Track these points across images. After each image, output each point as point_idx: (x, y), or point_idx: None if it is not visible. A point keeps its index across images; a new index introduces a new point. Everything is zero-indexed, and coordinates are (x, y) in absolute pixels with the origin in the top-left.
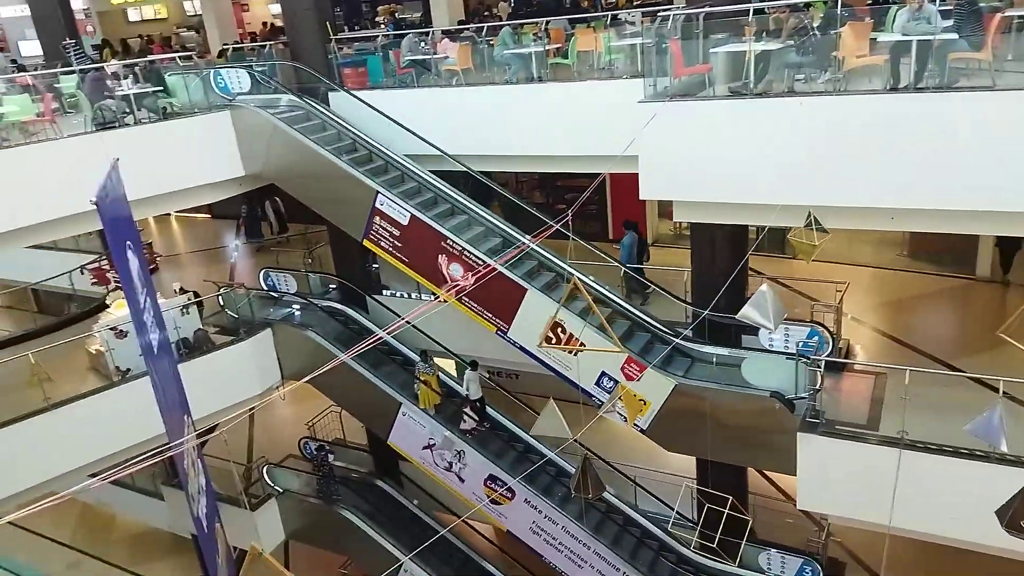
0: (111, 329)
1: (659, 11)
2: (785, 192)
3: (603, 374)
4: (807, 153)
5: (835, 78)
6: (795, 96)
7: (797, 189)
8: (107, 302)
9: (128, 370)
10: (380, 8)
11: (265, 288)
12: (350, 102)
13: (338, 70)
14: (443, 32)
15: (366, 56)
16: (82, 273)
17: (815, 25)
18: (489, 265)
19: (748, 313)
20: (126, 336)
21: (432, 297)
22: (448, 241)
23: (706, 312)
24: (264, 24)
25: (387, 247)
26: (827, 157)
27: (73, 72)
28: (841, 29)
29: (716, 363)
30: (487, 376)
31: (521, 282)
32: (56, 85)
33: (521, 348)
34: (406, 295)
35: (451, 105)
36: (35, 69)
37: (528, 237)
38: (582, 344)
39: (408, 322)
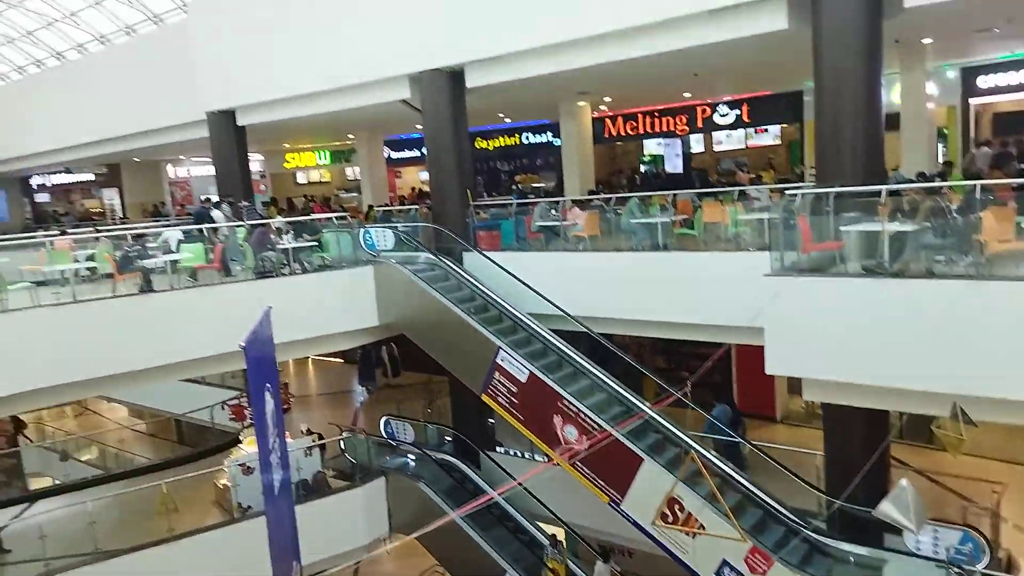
0: (239, 465)
1: (788, 188)
2: (926, 378)
3: (724, 563)
4: (950, 338)
5: (977, 262)
6: (934, 279)
7: (939, 376)
8: (240, 438)
9: (249, 507)
10: (518, 177)
11: (384, 435)
12: (482, 262)
13: (474, 232)
14: (572, 201)
15: (500, 220)
16: (223, 408)
17: (953, 208)
18: (605, 430)
19: (886, 510)
20: (252, 473)
21: (545, 459)
22: (564, 401)
23: (838, 503)
24: (412, 189)
25: (504, 403)
26: (973, 344)
27: (243, 225)
28: (982, 213)
29: (854, 563)
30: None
31: (637, 451)
32: (225, 236)
33: (635, 523)
34: (519, 454)
35: (577, 268)
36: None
37: (647, 405)
38: (701, 526)
39: (520, 483)
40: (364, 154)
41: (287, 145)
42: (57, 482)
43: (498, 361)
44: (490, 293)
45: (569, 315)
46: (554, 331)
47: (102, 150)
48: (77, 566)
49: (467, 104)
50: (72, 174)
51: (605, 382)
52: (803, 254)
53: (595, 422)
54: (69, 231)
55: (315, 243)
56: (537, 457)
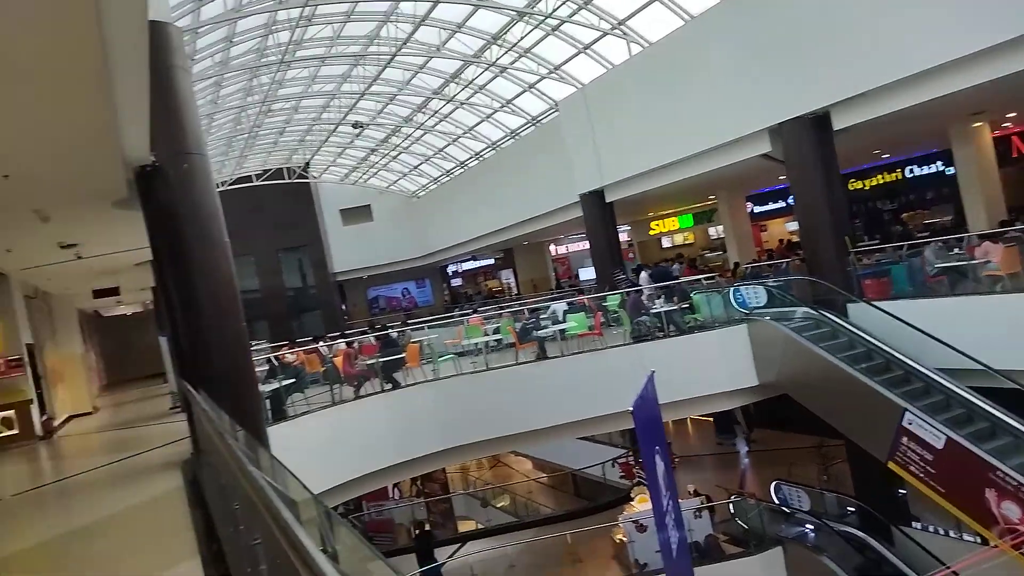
0: (633, 522)
1: None
2: None
3: None
4: None
5: None
6: None
7: None
8: (631, 495)
9: (645, 564)
10: (904, 215)
11: (776, 502)
12: (872, 313)
13: (858, 281)
14: (979, 236)
15: (888, 265)
16: (613, 466)
17: None
18: None
19: None
20: (646, 531)
21: (978, 540)
22: (999, 473)
23: None
24: (780, 241)
25: (917, 472)
26: None
27: (618, 294)
28: None
29: None
30: None
31: None
32: (604, 304)
33: None
34: (944, 532)
35: (995, 313)
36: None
37: None
38: None
39: (955, 573)
40: (726, 212)
41: (651, 213)
42: (480, 526)
43: (904, 424)
44: (889, 349)
45: (992, 369)
46: (974, 389)
47: (499, 238)
48: None
49: (835, 146)
50: (476, 260)
51: None
52: None
53: None
54: (479, 309)
55: (686, 305)
56: (967, 536)
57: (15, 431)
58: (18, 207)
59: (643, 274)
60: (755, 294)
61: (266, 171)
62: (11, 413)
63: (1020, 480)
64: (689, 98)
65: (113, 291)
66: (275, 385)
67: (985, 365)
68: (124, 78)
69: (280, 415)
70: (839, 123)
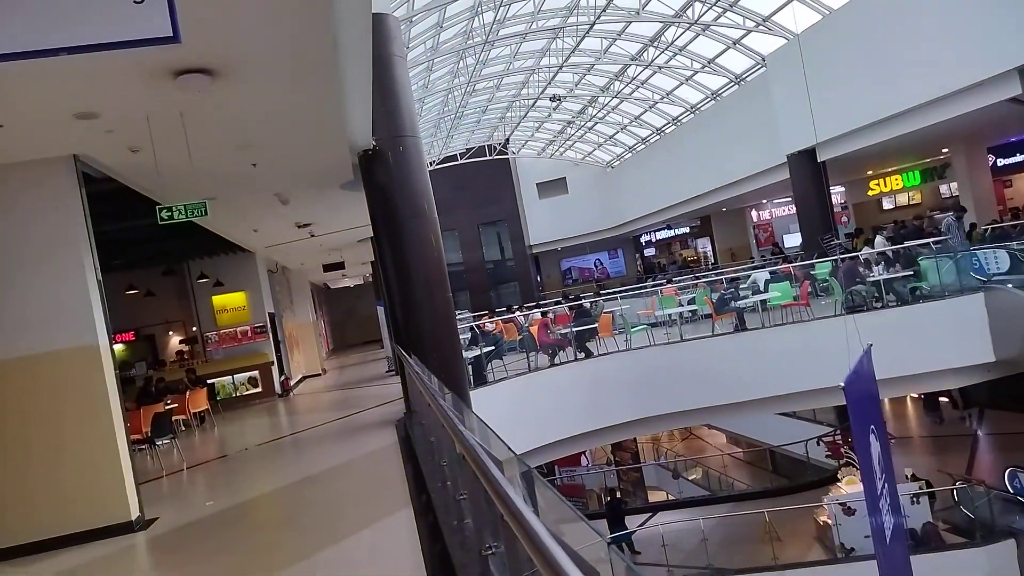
0: (839, 504)
1: None
2: None
3: None
4: None
5: None
6: None
7: None
8: (838, 476)
9: (852, 549)
10: None
11: (1010, 490)
12: None
13: None
14: None
15: None
16: (818, 444)
17: None
18: None
19: None
20: (854, 514)
21: None
22: None
23: None
24: None
25: None
26: None
27: (828, 260)
28: None
29: None
30: None
31: None
32: (812, 272)
33: None
34: None
35: None
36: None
37: None
38: None
39: None
40: (962, 167)
41: (870, 172)
42: (672, 497)
43: None
44: None
45: None
46: None
47: (696, 205)
48: None
49: None
50: (671, 229)
51: None
52: None
53: None
54: (673, 279)
55: (910, 272)
56: None
57: (259, 389)
58: (263, 192)
59: (878, 238)
60: (996, 259)
61: (469, 149)
62: (256, 373)
63: None
64: (917, 40)
65: (339, 265)
66: (476, 352)
67: None
68: (351, 68)
69: (481, 380)
70: None
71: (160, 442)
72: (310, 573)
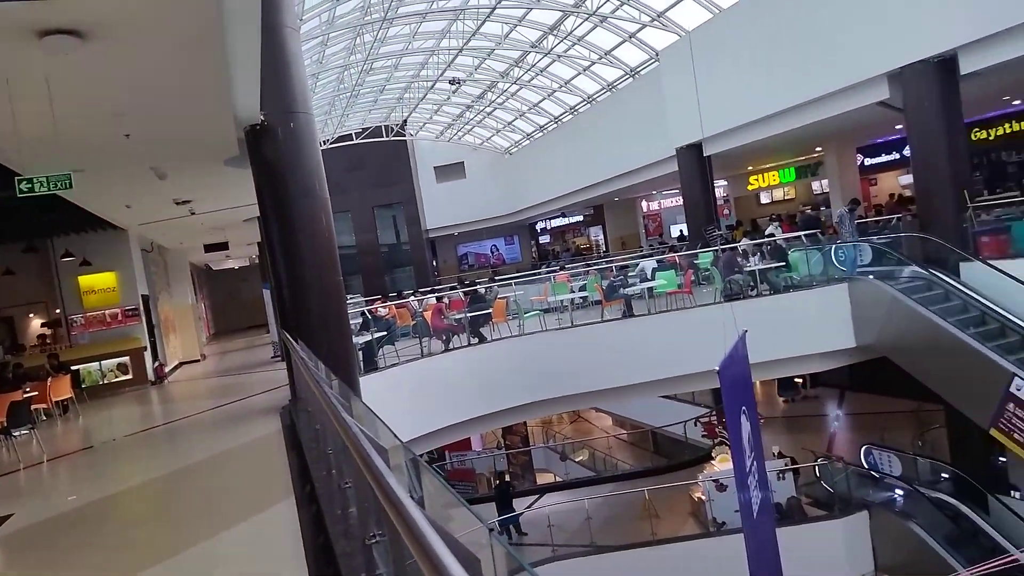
0: (713, 481)
1: None
2: None
3: None
4: None
5: None
6: None
7: None
8: (712, 455)
9: (723, 523)
10: None
11: (865, 466)
12: (987, 273)
13: (973, 239)
14: None
15: (1010, 222)
16: (695, 425)
17: None
18: None
19: None
20: (726, 490)
21: None
22: None
23: None
24: (891, 196)
25: (1022, 439)
26: None
27: (710, 251)
28: None
29: None
30: None
31: None
32: (695, 262)
33: None
34: None
35: None
36: (683, 250)
37: None
38: None
39: None
40: (834, 165)
41: (750, 167)
42: (559, 479)
43: (1013, 391)
44: (1001, 310)
45: None
46: None
47: (590, 193)
48: (577, 555)
49: (961, 92)
50: (565, 217)
51: None
52: None
53: None
54: (566, 266)
55: (782, 263)
56: None
57: (130, 376)
58: (138, 165)
59: (771, 226)
60: (859, 251)
61: (365, 129)
62: (126, 359)
63: None
64: (799, 42)
65: (222, 246)
66: (368, 337)
67: None
68: (237, 37)
69: (372, 366)
70: (967, 66)
71: (17, 433)
72: (179, 570)
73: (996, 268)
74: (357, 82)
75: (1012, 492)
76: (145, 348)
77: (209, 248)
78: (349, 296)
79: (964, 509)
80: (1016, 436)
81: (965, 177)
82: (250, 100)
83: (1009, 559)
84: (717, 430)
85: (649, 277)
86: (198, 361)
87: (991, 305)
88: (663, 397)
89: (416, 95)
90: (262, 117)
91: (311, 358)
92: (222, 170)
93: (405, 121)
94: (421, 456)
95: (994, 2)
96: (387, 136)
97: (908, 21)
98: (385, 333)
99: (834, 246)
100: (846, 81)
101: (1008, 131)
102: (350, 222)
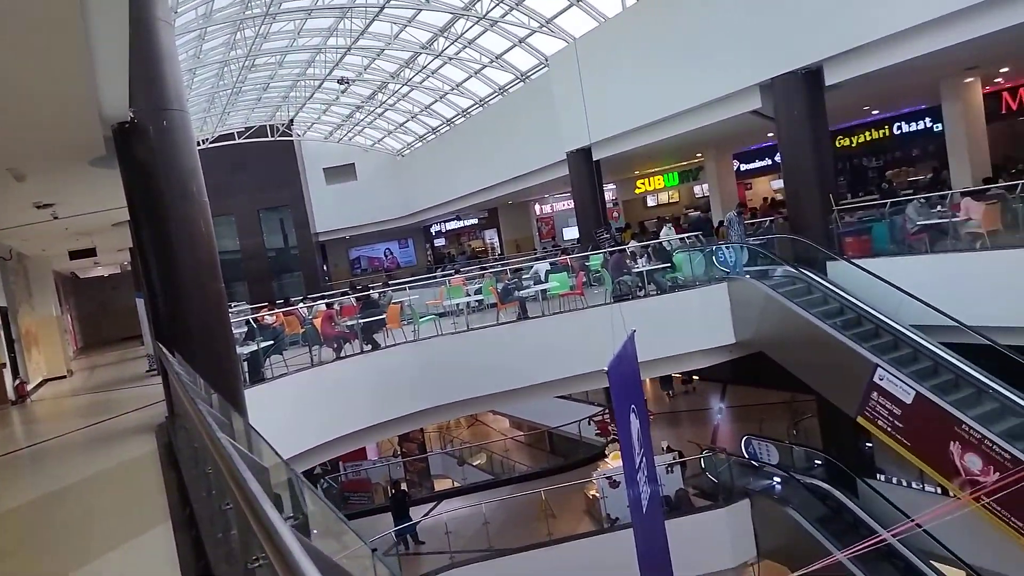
0: (606, 478)
1: None
2: None
3: None
4: None
5: None
6: None
7: None
8: (606, 452)
9: (616, 519)
10: (889, 173)
11: (746, 456)
12: (851, 271)
13: (839, 239)
14: (962, 192)
15: (870, 223)
16: (589, 424)
17: None
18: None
19: None
20: (618, 487)
21: (939, 491)
22: (964, 427)
23: None
24: (764, 199)
25: (885, 426)
26: None
27: (600, 253)
28: None
29: None
30: None
31: None
32: (586, 264)
33: None
34: (905, 483)
35: (973, 271)
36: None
37: None
38: None
39: (918, 525)
40: (713, 170)
41: (637, 172)
42: (457, 484)
43: (876, 380)
44: (862, 305)
45: (964, 325)
46: (945, 344)
47: (484, 197)
48: (475, 560)
49: (826, 102)
50: (460, 220)
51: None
52: None
53: (1008, 452)
54: (461, 269)
55: (668, 264)
56: (928, 488)
57: None
58: None
59: (664, 228)
60: (743, 253)
61: (249, 128)
62: None
63: (982, 433)
64: (680, 53)
65: (90, 252)
66: (253, 347)
67: (957, 321)
68: (102, 29)
69: (258, 377)
70: (831, 78)
71: None
72: None
73: (859, 267)
74: (238, 79)
75: (878, 475)
76: (4, 364)
77: (75, 255)
78: (233, 304)
79: (834, 492)
80: (880, 423)
81: (831, 182)
82: (118, 96)
83: (878, 538)
84: (610, 428)
85: (543, 279)
86: (65, 377)
87: (855, 301)
88: (558, 397)
89: (303, 94)
90: (131, 114)
91: (188, 372)
92: (88, 170)
93: (291, 121)
94: (313, 469)
95: (856, 18)
96: (272, 136)
97: (778, 35)
98: (272, 342)
99: (713, 247)
100: (722, 91)
101: (868, 139)
102: (234, 225)
